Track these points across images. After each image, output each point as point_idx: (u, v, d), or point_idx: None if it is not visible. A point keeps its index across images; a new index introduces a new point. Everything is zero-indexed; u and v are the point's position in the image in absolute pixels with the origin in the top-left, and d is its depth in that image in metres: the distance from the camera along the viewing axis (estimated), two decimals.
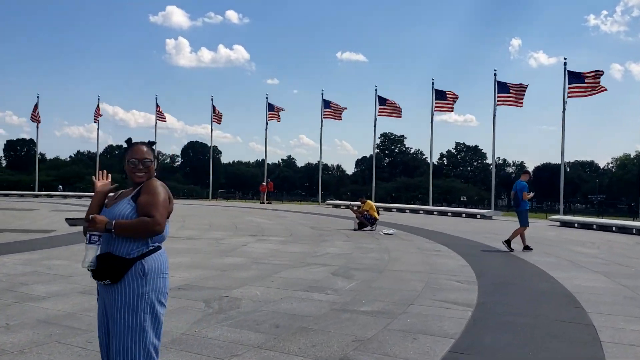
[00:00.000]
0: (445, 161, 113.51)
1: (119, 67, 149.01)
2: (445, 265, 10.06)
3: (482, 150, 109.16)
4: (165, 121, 45.70)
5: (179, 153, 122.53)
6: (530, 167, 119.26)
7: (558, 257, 11.64)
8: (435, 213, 28.34)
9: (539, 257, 11.52)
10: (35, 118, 45.74)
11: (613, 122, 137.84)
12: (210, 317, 5.74)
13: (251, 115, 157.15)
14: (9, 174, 77.27)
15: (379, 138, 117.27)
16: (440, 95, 34.05)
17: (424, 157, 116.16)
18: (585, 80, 26.68)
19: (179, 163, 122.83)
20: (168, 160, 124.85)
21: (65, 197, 43.03)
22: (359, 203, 17.68)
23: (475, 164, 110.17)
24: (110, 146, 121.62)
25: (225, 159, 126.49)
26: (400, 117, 36.53)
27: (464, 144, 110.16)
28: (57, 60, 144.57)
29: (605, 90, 26.64)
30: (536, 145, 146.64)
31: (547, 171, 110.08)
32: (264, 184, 40.22)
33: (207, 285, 7.42)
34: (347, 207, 19.58)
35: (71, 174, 77.31)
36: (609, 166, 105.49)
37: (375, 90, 37.06)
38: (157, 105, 43.43)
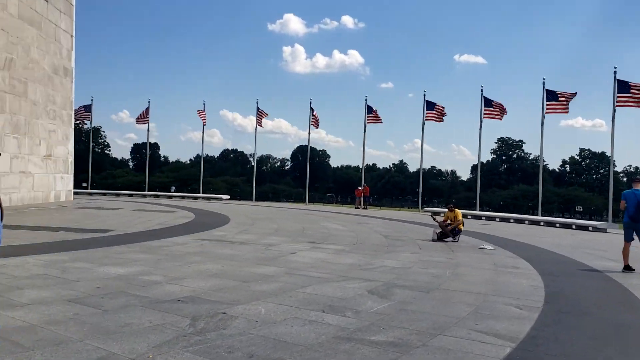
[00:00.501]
0: (567, 168, 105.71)
1: (237, 74, 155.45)
2: (515, 285, 8.55)
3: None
4: (262, 127, 45.99)
5: (290, 157, 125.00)
6: None
7: None
8: (542, 224, 25.80)
9: (638, 280, 9.58)
10: (142, 120, 48.07)
11: None
12: (182, 339, 4.94)
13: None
14: (133, 175, 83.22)
15: (496, 143, 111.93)
16: (551, 96, 31.23)
17: (545, 163, 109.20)
18: None
19: (289, 167, 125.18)
20: (278, 164, 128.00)
21: (170, 197, 44.93)
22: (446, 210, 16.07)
23: (602, 171, 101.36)
24: (227, 149, 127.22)
25: (336, 162, 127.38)
26: (501, 119, 34.06)
27: (589, 150, 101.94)
28: (175, 67, 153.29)
29: None
30: None
31: None
32: (360, 188, 39.24)
33: (212, 298, 6.65)
34: (431, 215, 18.02)
35: (189, 176, 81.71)
36: None
37: (481, 91, 34.94)
38: (258, 109, 43.99)
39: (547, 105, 31.26)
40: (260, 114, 44.06)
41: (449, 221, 15.45)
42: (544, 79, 31.50)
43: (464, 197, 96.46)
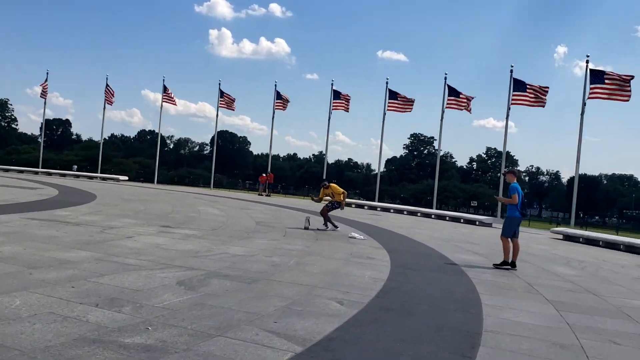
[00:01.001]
0: (474, 165, 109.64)
1: (162, 54, 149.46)
2: (355, 278, 7.85)
3: (514, 157, 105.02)
4: (175, 104, 44.01)
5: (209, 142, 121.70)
6: (565, 178, 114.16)
7: (511, 278, 9.29)
8: (433, 216, 25.91)
9: (492, 276, 9.20)
10: (44, 94, 45.08)
11: None
12: None
13: (288, 109, 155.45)
14: (42, 152, 77.99)
15: (409, 139, 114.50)
16: (453, 92, 31.45)
17: (454, 160, 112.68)
18: (606, 81, 23.79)
19: (207, 151, 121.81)
20: (197, 148, 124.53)
21: (63, 175, 41.99)
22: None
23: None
24: (144, 130, 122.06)
25: (258, 150, 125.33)
26: (410, 111, 34.15)
27: (495, 149, 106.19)
28: (102, 46, 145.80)
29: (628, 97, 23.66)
30: (574, 156, 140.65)
31: (582, 182, 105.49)
32: (264, 175, 38.29)
33: None
34: (311, 198, 17.34)
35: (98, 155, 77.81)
36: None
37: (386, 83, 34.77)
38: (165, 88, 41.86)
39: (448, 100, 31.50)
40: (167, 95, 42.04)
41: (328, 197, 14.79)
42: (445, 74, 31.72)
43: (375, 189, 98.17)
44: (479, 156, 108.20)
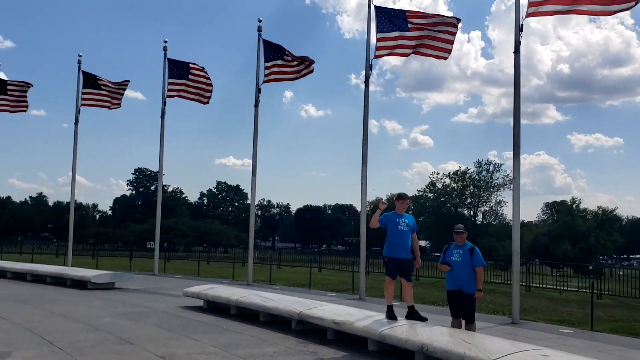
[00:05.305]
0: (205, 201, 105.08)
1: None
2: None
3: (244, 191, 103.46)
4: None
5: None
6: (293, 209, 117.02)
7: None
8: (8, 275, 15.97)
9: None
10: None
11: (370, 169, 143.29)
12: None
13: None
14: None
15: (133, 174, 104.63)
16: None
17: (184, 196, 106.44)
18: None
19: None
20: None
21: None
22: None
23: (236, 204, 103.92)
24: None
25: None
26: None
27: (225, 183, 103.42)
28: None
29: None
30: (303, 189, 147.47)
31: (309, 212, 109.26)
32: None
33: None
34: None
35: None
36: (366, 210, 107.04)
37: None
38: None
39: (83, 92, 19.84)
40: None
41: None
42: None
43: (93, 232, 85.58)
44: (209, 191, 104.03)
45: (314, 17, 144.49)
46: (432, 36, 12.76)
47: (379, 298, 13.98)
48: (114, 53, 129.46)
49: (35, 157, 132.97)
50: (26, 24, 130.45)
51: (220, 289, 10.67)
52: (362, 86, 14.01)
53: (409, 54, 13.16)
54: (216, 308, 10.20)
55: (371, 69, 13.70)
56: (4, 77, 20.70)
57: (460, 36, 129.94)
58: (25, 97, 20.13)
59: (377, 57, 13.28)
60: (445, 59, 12.93)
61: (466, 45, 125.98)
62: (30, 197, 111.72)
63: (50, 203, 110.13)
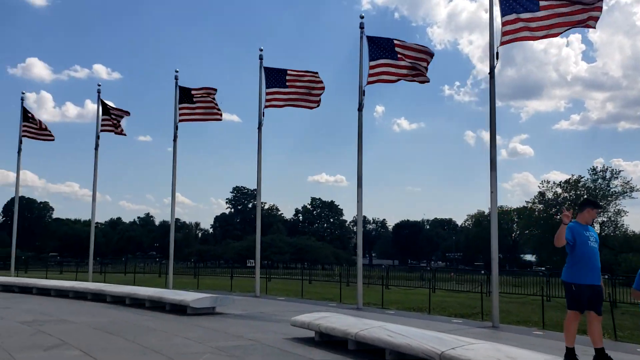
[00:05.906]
0: (300, 217, 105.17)
1: None
2: None
3: (339, 207, 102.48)
4: None
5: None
6: (390, 224, 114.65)
7: None
8: (89, 297, 15.23)
9: None
10: None
11: (469, 181, 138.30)
12: None
13: (122, 172, 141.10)
14: None
15: (231, 192, 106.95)
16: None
17: (280, 212, 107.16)
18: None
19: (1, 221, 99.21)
20: None
21: None
22: None
23: (331, 220, 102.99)
24: None
25: (63, 215, 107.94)
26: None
27: (320, 199, 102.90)
28: None
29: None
30: (398, 204, 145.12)
31: (407, 227, 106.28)
32: None
33: None
34: None
35: None
36: (466, 224, 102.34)
37: (98, 93, 22.41)
38: None
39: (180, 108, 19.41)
40: None
41: None
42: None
43: (195, 250, 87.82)
44: (304, 207, 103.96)
45: (405, 30, 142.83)
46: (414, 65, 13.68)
47: (515, 325, 11.95)
48: (211, 74, 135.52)
49: (143, 179, 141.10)
50: (132, 56, 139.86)
51: (334, 319, 9.06)
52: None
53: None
54: (330, 341, 8.63)
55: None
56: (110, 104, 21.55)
57: (558, 41, 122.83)
58: (120, 122, 20.93)
59: (369, 83, 14.12)
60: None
61: (565, 49, 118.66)
62: (138, 217, 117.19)
63: (157, 222, 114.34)
